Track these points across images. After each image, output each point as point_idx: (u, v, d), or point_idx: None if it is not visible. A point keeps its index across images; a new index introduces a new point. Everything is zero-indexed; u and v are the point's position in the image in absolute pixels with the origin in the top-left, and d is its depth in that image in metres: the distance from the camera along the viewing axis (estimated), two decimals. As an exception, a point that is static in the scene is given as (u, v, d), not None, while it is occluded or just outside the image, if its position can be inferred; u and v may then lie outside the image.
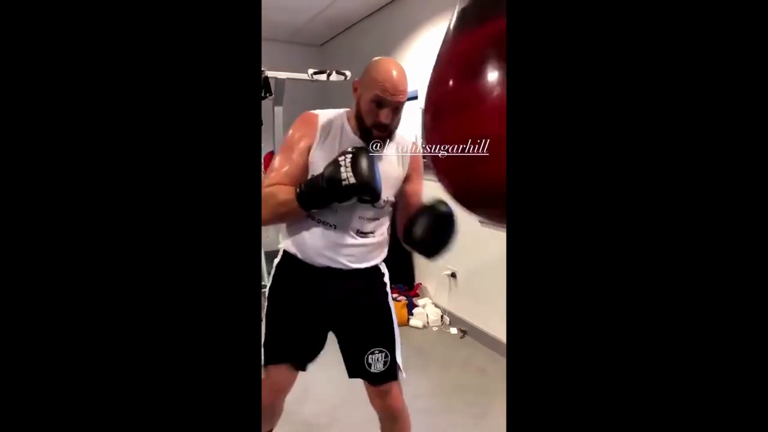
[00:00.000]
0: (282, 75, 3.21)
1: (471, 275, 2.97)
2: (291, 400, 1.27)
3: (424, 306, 3.25)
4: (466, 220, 3.02)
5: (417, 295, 3.44)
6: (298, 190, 1.13)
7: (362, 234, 1.25)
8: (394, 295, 3.36)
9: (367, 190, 1.08)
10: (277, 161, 1.22)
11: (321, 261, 1.24)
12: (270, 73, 3.12)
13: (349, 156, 1.07)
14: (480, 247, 2.77)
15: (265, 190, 1.15)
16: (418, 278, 3.55)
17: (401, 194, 1.31)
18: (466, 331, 2.99)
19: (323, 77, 3.29)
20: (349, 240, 1.24)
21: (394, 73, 1.10)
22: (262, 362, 1.27)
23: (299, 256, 1.26)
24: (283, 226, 1.29)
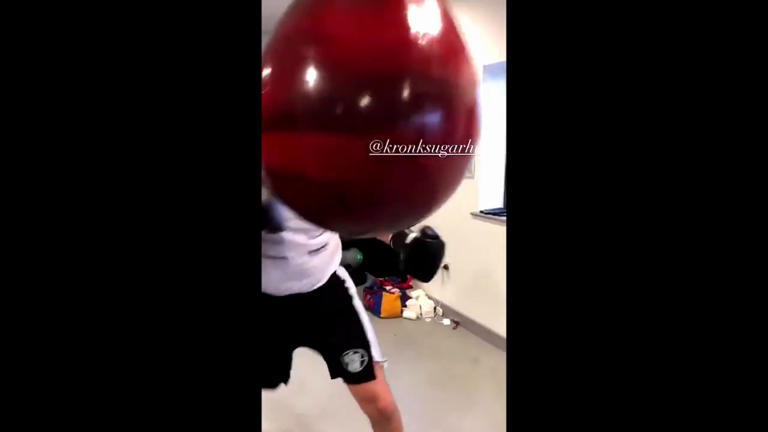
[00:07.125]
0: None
1: (463, 267, 2.99)
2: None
3: (417, 298, 3.28)
4: (458, 215, 3.00)
5: (410, 287, 3.46)
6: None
7: (315, 252, 1.23)
8: (388, 287, 3.39)
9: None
10: None
11: (283, 291, 1.22)
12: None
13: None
14: (472, 240, 2.79)
15: None
16: (411, 270, 3.56)
17: None
18: (459, 321, 3.02)
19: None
20: (306, 264, 1.22)
21: None
22: None
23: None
24: None
